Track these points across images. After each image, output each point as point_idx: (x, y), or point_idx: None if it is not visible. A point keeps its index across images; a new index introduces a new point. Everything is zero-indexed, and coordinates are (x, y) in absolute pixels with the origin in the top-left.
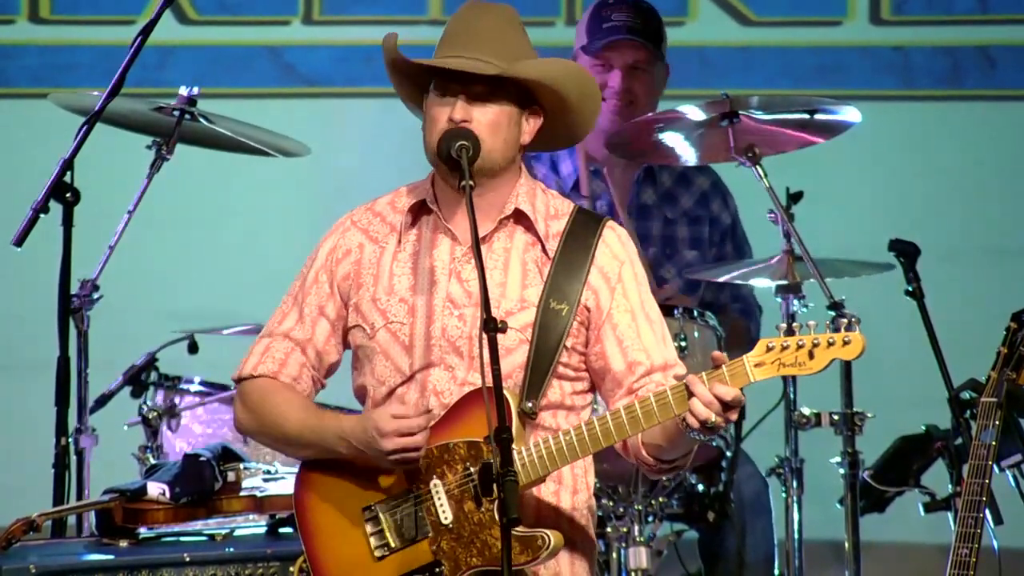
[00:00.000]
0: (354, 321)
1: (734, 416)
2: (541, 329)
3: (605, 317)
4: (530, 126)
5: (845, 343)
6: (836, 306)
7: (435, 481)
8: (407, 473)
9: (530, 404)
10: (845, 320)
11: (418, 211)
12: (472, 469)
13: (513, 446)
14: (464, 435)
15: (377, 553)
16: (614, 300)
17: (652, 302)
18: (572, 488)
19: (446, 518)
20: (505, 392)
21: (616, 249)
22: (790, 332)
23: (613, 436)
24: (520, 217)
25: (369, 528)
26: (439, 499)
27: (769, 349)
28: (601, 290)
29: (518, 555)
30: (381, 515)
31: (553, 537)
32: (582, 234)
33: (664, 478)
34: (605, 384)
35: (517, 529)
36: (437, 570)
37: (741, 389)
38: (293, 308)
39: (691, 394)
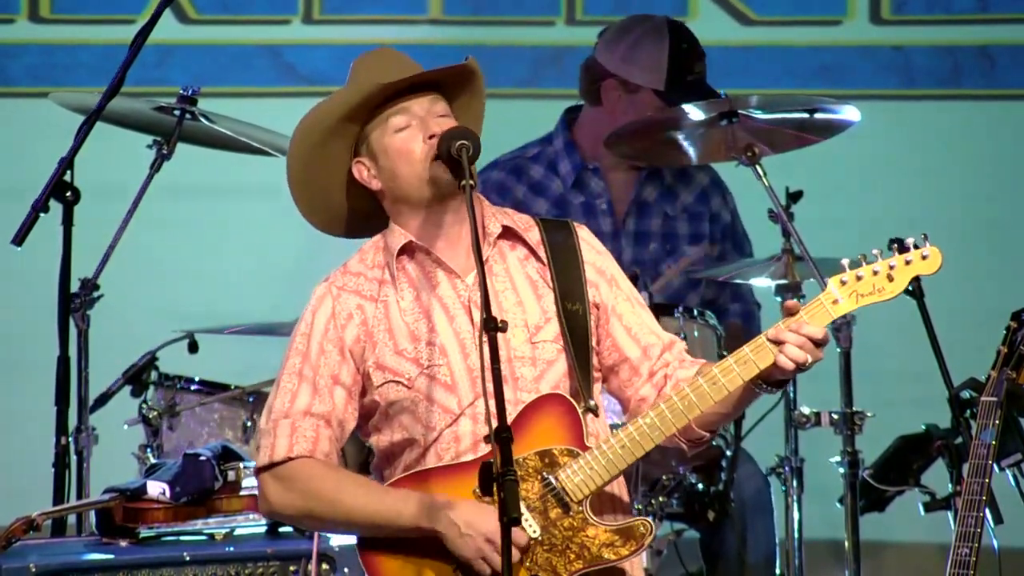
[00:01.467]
0: (381, 379)
1: (822, 354)
2: (572, 333)
3: (609, 311)
4: None
5: (924, 257)
6: None
7: None
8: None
9: (593, 402)
10: (912, 240)
11: (396, 259)
12: (550, 477)
13: (588, 443)
14: (531, 447)
15: None
16: (612, 292)
17: (635, 289)
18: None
19: (534, 532)
20: (566, 395)
21: (595, 244)
22: (855, 264)
23: (697, 407)
24: (504, 234)
25: (454, 563)
26: (524, 516)
27: (843, 283)
28: (600, 284)
29: (620, 548)
30: None
31: (653, 524)
32: (560, 237)
33: (664, 477)
34: (620, 376)
35: (608, 521)
36: None
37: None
38: (302, 384)
39: (777, 343)
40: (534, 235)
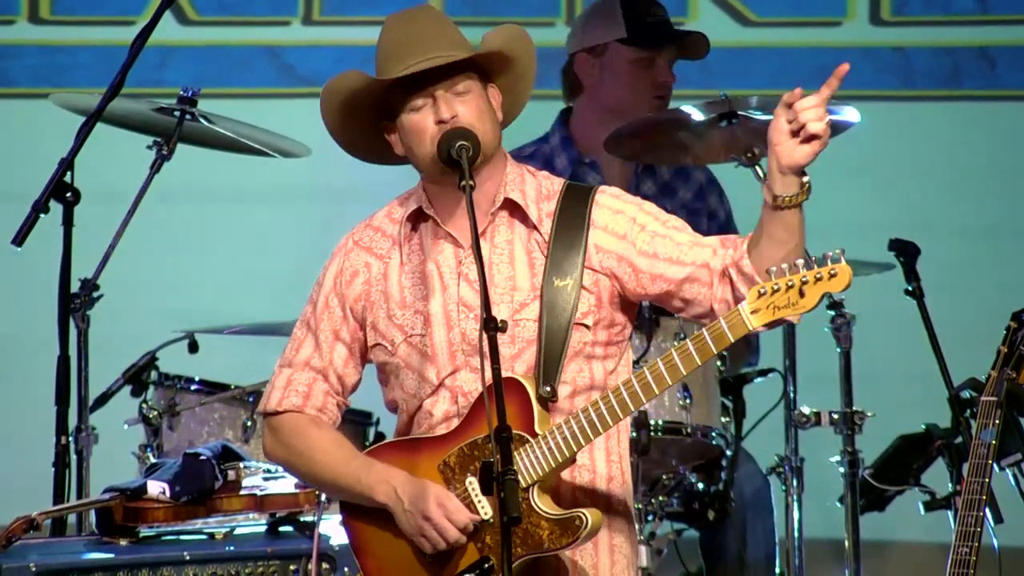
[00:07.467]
0: (374, 340)
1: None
2: (549, 312)
3: (635, 259)
4: (496, 102)
5: (832, 275)
6: (835, 306)
7: (470, 479)
8: (443, 476)
9: (548, 388)
10: (831, 254)
11: (415, 219)
12: None
13: (538, 430)
14: (486, 430)
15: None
16: (636, 240)
17: (674, 219)
18: (607, 476)
19: (486, 513)
20: (522, 379)
21: (613, 204)
22: (780, 274)
23: (641, 397)
24: (514, 206)
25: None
26: (476, 496)
27: (761, 295)
28: (612, 247)
29: (559, 538)
30: None
31: (590, 515)
32: (574, 206)
33: (664, 476)
34: (687, 296)
35: (552, 512)
36: (486, 566)
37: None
38: (308, 336)
39: (776, 141)
40: (550, 205)
